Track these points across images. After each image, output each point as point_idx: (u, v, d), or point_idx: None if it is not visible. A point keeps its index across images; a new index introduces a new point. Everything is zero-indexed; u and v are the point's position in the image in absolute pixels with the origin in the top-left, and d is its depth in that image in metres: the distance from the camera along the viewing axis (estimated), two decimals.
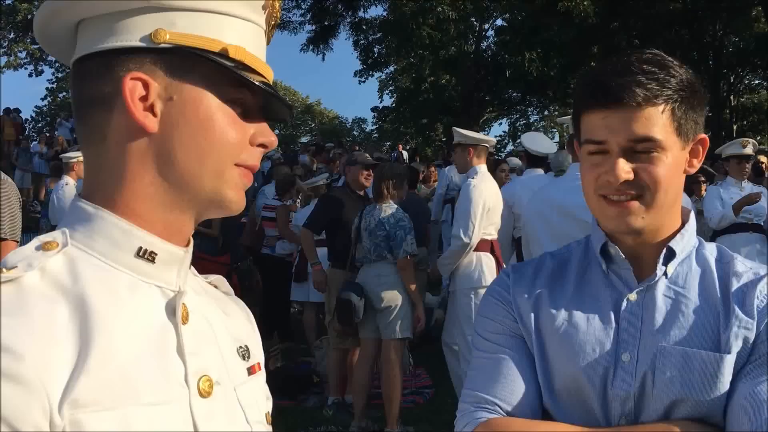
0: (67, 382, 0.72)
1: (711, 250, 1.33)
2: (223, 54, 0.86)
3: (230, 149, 0.88)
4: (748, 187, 6.43)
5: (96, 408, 0.74)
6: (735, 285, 1.24)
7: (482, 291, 5.14)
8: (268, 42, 0.95)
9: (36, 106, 36.32)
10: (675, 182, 1.24)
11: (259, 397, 0.99)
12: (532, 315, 1.33)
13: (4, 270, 0.76)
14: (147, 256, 0.86)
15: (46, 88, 33.77)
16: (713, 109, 21.89)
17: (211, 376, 0.88)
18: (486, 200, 5.14)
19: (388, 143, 28.66)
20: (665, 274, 1.27)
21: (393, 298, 5.00)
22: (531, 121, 33.59)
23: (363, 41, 25.88)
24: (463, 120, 22.40)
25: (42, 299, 0.76)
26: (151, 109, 0.85)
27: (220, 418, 0.88)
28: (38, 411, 0.70)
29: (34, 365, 0.71)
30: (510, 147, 31.75)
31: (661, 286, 1.27)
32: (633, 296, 1.27)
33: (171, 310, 0.87)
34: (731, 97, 23.44)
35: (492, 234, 5.20)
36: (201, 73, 0.86)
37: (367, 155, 6.69)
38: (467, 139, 5.41)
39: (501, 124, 38.68)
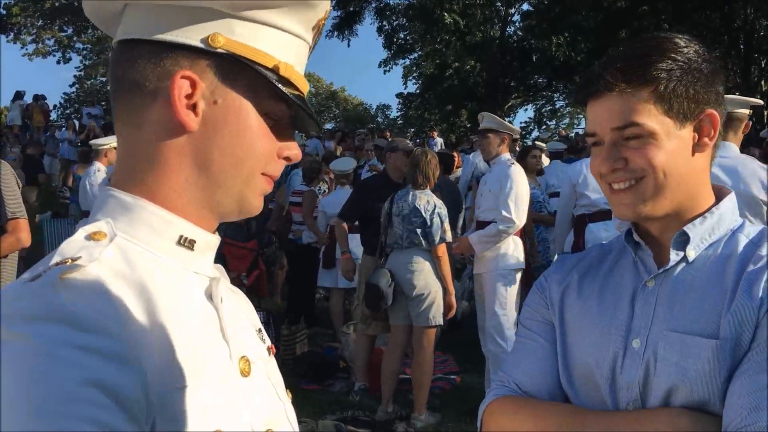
0: (150, 362, 0.75)
1: (752, 231, 1.28)
2: (274, 70, 0.89)
3: (261, 159, 0.91)
4: None
5: (177, 386, 0.78)
6: (750, 268, 1.19)
7: (516, 274, 5.30)
8: (309, 55, 0.99)
9: (64, 93, 36.82)
10: (678, 164, 1.20)
11: (280, 376, 1.04)
12: (559, 302, 1.38)
13: (69, 260, 0.78)
14: (186, 243, 0.89)
15: (74, 76, 34.16)
16: (744, 93, 21.48)
17: (248, 357, 0.93)
18: (527, 186, 5.34)
19: (413, 129, 28.58)
20: (685, 259, 1.24)
21: (425, 285, 5.00)
22: (557, 107, 33.29)
23: (387, 27, 25.80)
24: (488, 106, 22.24)
25: (112, 286, 0.78)
26: (193, 108, 0.86)
27: (259, 396, 0.93)
28: (140, 390, 0.73)
29: (128, 346, 0.73)
30: (535, 133, 31.52)
31: (679, 272, 1.25)
32: (651, 282, 1.26)
33: (208, 295, 0.91)
34: (762, 82, 23.02)
35: (524, 221, 5.32)
36: (246, 83, 0.88)
37: (409, 142, 6.71)
38: (501, 126, 5.48)
39: (526, 110, 38.37)
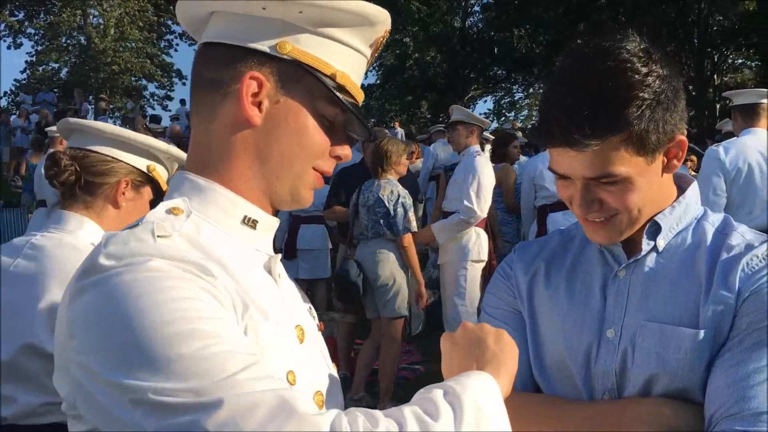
0: (236, 305, 0.91)
1: (715, 220, 1.29)
2: (331, 77, 1.01)
3: (313, 155, 1.04)
4: None
5: (260, 320, 0.95)
6: (723, 257, 1.20)
7: (477, 264, 5.35)
8: (367, 67, 1.12)
9: (15, 80, 35.83)
10: (651, 192, 1.20)
11: (326, 349, 1.17)
12: (527, 291, 1.37)
13: (162, 228, 0.91)
14: (250, 223, 1.03)
15: (26, 62, 33.30)
16: (697, 88, 21.97)
17: (303, 326, 1.06)
18: (492, 177, 5.39)
19: (373, 120, 28.54)
20: (655, 248, 1.25)
21: (389, 275, 5.00)
22: (516, 99, 33.57)
23: None
24: (448, 97, 22.33)
25: (192, 250, 0.92)
26: (258, 105, 1.00)
27: (312, 362, 1.05)
28: (231, 313, 0.89)
29: (222, 286, 0.89)
30: (495, 125, 31.76)
31: (650, 261, 1.25)
32: (622, 272, 1.27)
33: (268, 269, 1.05)
34: (715, 76, 23.54)
35: (486, 212, 5.37)
36: (307, 87, 1.01)
37: (387, 131, 6.71)
38: (470, 118, 5.54)
39: (486, 101, 38.62)
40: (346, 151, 1.09)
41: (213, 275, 0.89)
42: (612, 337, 1.24)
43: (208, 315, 0.83)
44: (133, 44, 31.86)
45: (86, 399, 0.83)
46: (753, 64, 24.59)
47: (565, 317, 1.30)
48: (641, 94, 1.11)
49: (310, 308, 1.16)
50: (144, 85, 34.30)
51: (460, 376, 0.94)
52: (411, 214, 4.99)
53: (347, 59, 1.04)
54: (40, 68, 32.99)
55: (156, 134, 14.33)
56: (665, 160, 1.20)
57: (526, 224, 6.09)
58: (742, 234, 1.24)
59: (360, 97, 1.09)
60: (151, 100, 35.03)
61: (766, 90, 4.52)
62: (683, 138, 1.20)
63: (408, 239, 5.01)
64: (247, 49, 0.99)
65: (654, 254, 1.26)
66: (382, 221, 4.99)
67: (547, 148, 1.20)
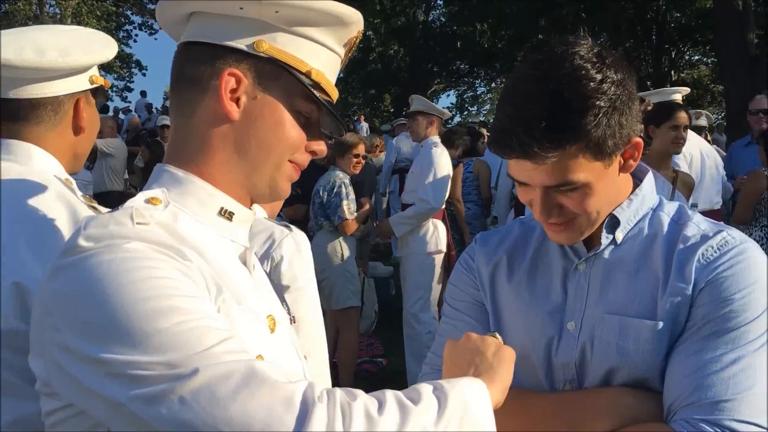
0: (209, 288, 0.95)
1: (671, 210, 1.30)
2: (307, 74, 1.07)
3: (289, 148, 1.09)
4: None
5: (233, 304, 0.98)
6: (679, 248, 1.22)
7: (437, 256, 5.33)
8: (340, 68, 1.17)
9: None
10: (609, 193, 1.22)
11: (299, 341, 1.22)
12: (489, 283, 1.38)
13: (141, 215, 0.95)
14: (226, 215, 1.08)
15: None
16: (655, 83, 22.33)
17: (275, 317, 1.11)
18: (449, 168, 5.33)
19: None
20: (614, 241, 1.27)
21: (325, 269, 4.98)
22: (478, 93, 33.75)
23: None
24: (411, 91, 22.33)
25: (169, 239, 0.95)
26: (236, 101, 1.05)
27: (282, 351, 1.09)
28: (206, 294, 0.93)
29: (196, 269, 0.94)
30: (458, 119, 31.89)
31: (608, 254, 1.27)
32: (581, 265, 1.28)
33: (243, 260, 1.11)
34: (672, 72, 23.97)
35: (442, 203, 5.35)
36: (283, 84, 1.06)
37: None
38: (430, 109, 5.51)
39: (449, 95, 38.80)
40: (321, 147, 1.13)
41: (189, 259, 0.93)
42: (572, 329, 1.25)
43: (184, 293, 0.86)
44: None
45: (61, 375, 0.85)
46: (709, 60, 25.10)
47: (527, 310, 1.31)
48: (597, 102, 1.11)
49: (283, 302, 1.22)
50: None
51: (452, 378, 0.96)
52: (346, 203, 4.95)
53: (322, 58, 1.09)
54: None
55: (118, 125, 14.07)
56: (621, 160, 1.22)
57: (500, 211, 6.14)
58: (697, 224, 1.25)
59: (334, 95, 1.14)
60: (110, 92, 34.37)
61: (675, 88, 5.01)
62: (639, 140, 1.21)
63: (345, 228, 4.99)
64: (226, 48, 1.04)
65: (612, 247, 1.27)
66: (319, 212, 5.00)
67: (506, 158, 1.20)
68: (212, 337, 0.82)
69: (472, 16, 21.12)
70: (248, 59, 1.05)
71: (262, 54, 1.04)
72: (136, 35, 34.65)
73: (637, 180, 1.32)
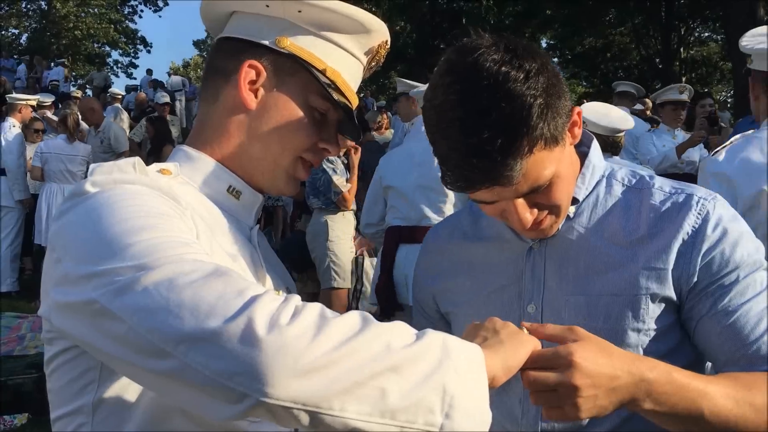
0: (200, 239, 0.99)
1: (624, 175, 1.27)
2: (322, 72, 1.12)
3: (299, 144, 1.14)
4: (681, 136, 6.10)
5: (221, 259, 1.00)
6: (650, 217, 1.19)
7: None
8: (364, 77, 1.23)
9: None
10: (570, 173, 1.18)
11: None
12: (442, 273, 1.38)
13: (143, 166, 1.01)
14: (234, 193, 1.14)
15: None
16: (664, 61, 22.15)
17: (281, 293, 1.08)
18: None
19: None
20: (567, 216, 1.22)
21: (315, 248, 5.05)
22: None
23: None
24: (418, 68, 22.21)
25: (169, 190, 0.99)
26: (255, 92, 1.12)
27: None
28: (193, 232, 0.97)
29: (189, 217, 0.98)
30: None
31: (564, 230, 1.23)
32: (536, 245, 1.25)
33: (248, 237, 1.16)
34: (681, 49, 23.75)
35: None
36: (300, 80, 1.13)
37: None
38: (412, 89, 5.56)
39: None
40: (332, 147, 1.18)
41: (183, 207, 0.98)
42: (533, 312, 1.23)
43: (170, 217, 0.92)
44: (96, 10, 31.09)
45: (56, 309, 0.90)
46: (719, 37, 24.86)
47: (485, 297, 1.29)
48: (534, 101, 1.02)
49: (289, 287, 1.24)
50: (107, 52, 33.58)
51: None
52: (336, 177, 4.97)
53: (341, 60, 1.15)
54: None
55: (114, 99, 14.11)
56: (569, 135, 1.16)
57: None
58: (661, 189, 1.23)
59: (353, 99, 1.18)
60: (115, 68, 34.32)
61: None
62: (577, 109, 1.16)
63: (345, 202, 5.02)
64: (252, 43, 1.13)
65: (566, 222, 1.23)
66: (309, 192, 5.04)
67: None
68: (187, 248, 0.86)
69: None
70: (270, 54, 1.12)
71: (282, 50, 1.11)
72: (142, 11, 34.48)
73: (584, 146, 1.27)
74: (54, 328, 0.95)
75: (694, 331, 1.19)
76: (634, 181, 1.26)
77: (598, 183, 1.26)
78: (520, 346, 0.95)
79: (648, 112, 8.82)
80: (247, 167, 1.14)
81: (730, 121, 11.33)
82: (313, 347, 0.74)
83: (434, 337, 0.83)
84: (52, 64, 21.70)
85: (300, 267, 5.12)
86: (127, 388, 0.96)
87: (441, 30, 25.05)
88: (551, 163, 1.09)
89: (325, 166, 4.93)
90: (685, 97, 6.23)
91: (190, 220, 0.98)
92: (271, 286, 1.14)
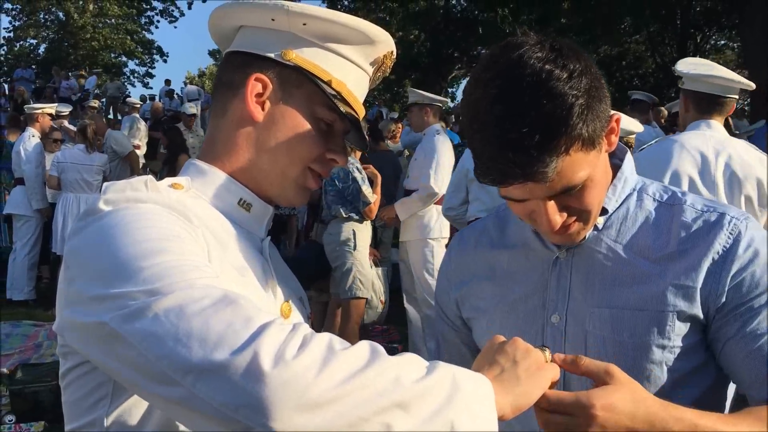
0: (211, 257, 1.00)
1: (655, 191, 1.26)
2: (327, 83, 1.13)
3: (307, 155, 1.15)
4: None
5: (231, 277, 1.02)
6: (681, 235, 1.18)
7: (441, 241, 5.55)
8: (370, 87, 1.24)
9: None
10: (604, 180, 1.17)
11: None
12: (467, 281, 1.37)
13: (155, 184, 1.02)
14: (245, 205, 1.15)
15: (3, 37, 32.71)
16: None
17: (292, 306, 1.18)
18: (450, 156, 5.50)
19: None
20: (595, 227, 1.22)
21: (337, 257, 5.00)
22: None
23: None
24: (432, 77, 22.26)
25: (180, 207, 1.01)
26: (262, 104, 1.13)
27: None
28: (204, 252, 0.99)
29: (200, 235, 1.00)
30: None
31: (592, 241, 1.22)
32: (563, 254, 1.24)
33: (259, 249, 1.17)
34: (697, 57, 23.58)
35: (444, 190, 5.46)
36: (306, 92, 1.14)
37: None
38: (424, 99, 5.64)
39: None
40: (339, 157, 1.18)
41: (195, 225, 1.00)
42: (557, 322, 1.22)
43: (181, 239, 0.94)
44: (113, 20, 31.40)
45: (72, 326, 0.91)
46: (735, 45, 24.71)
47: (509, 305, 1.28)
48: (576, 101, 1.03)
49: (300, 299, 1.25)
50: (124, 62, 33.88)
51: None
52: (365, 188, 4.95)
53: (346, 71, 1.16)
54: (18, 44, 32.44)
55: (132, 109, 14.20)
56: (606, 141, 1.15)
57: None
58: (692, 206, 1.22)
59: (360, 110, 1.19)
60: (131, 78, 34.62)
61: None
62: (618, 116, 1.17)
63: (370, 212, 5.02)
64: (258, 56, 1.14)
65: (594, 233, 1.22)
66: (336, 201, 4.99)
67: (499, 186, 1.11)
68: (198, 273, 0.87)
69: (493, 0, 20.91)
70: (276, 67, 1.13)
71: (288, 62, 1.13)
72: (158, 21, 34.84)
73: (618, 159, 1.27)
74: (67, 343, 0.97)
75: (720, 353, 1.17)
76: (665, 196, 1.25)
77: (628, 196, 1.25)
78: (536, 385, 0.94)
79: (662, 121, 8.76)
80: (257, 179, 1.15)
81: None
82: (318, 381, 0.74)
83: (444, 372, 0.82)
84: (70, 74, 21.90)
85: (314, 277, 5.11)
86: (139, 403, 0.97)
87: (455, 39, 25.05)
88: (586, 165, 1.09)
89: (355, 175, 4.93)
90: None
91: (201, 239, 1.00)
92: (282, 297, 1.15)
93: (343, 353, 0.78)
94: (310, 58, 1.13)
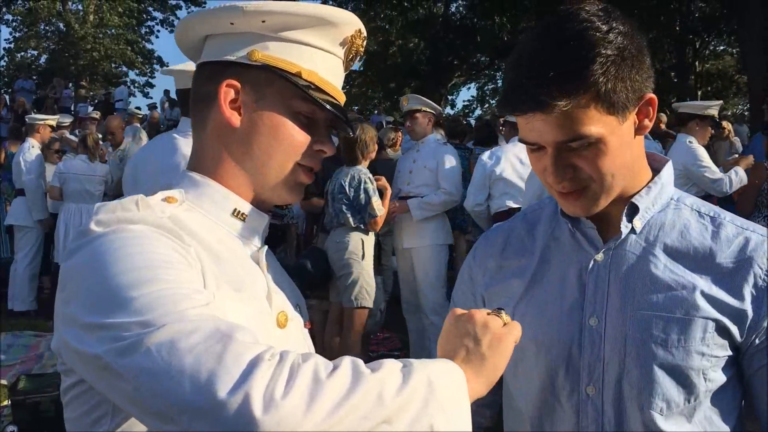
0: (205, 274, 1.00)
1: (694, 202, 1.27)
2: (297, 75, 1.12)
3: (293, 150, 1.14)
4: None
5: (226, 294, 1.02)
6: (724, 252, 1.19)
7: (443, 248, 5.63)
8: (346, 70, 1.22)
9: None
10: (624, 156, 1.17)
11: (311, 343, 1.27)
12: (493, 282, 1.36)
13: (146, 203, 1.03)
14: (239, 215, 1.15)
15: (4, 48, 32.82)
16: (679, 74, 22.07)
17: (288, 314, 1.16)
18: (459, 163, 5.64)
19: (356, 107, 28.44)
20: (633, 230, 1.22)
21: (345, 265, 4.93)
22: (499, 85, 33.55)
23: (330, 2, 25.48)
24: (432, 84, 22.29)
25: (171, 225, 1.02)
26: (238, 110, 1.12)
27: (291, 347, 1.05)
28: (198, 274, 0.99)
29: (193, 254, 1.00)
30: (478, 111, 31.77)
31: (630, 245, 1.22)
32: (600, 256, 1.23)
33: (255, 260, 1.16)
34: (696, 63, 23.65)
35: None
36: (278, 88, 1.13)
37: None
38: (428, 106, 5.66)
39: (469, 88, 38.58)
40: (327, 146, 1.18)
41: (187, 244, 1.00)
42: (595, 325, 1.21)
43: (173, 265, 0.94)
44: (113, 31, 31.49)
45: (67, 347, 0.92)
46: (734, 51, 24.74)
47: (542, 308, 1.27)
48: (604, 51, 1.09)
49: (297, 306, 1.23)
50: (124, 72, 33.96)
51: (428, 359, 0.94)
52: (375, 200, 4.90)
53: (316, 60, 1.14)
54: (19, 55, 32.53)
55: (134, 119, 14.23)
56: (636, 120, 1.18)
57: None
58: (732, 222, 1.23)
59: (338, 95, 1.18)
60: (132, 87, 34.69)
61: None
62: (652, 95, 1.18)
63: (376, 225, 4.97)
64: (226, 63, 1.13)
65: (633, 236, 1.23)
66: (344, 209, 4.93)
67: (516, 117, 1.17)
68: (189, 303, 0.87)
69: (492, 8, 20.97)
70: (245, 70, 1.12)
71: (256, 62, 1.12)
72: (158, 31, 34.95)
73: (655, 171, 1.28)
74: (65, 360, 0.98)
75: (749, 378, 1.20)
76: (703, 209, 1.26)
77: (667, 205, 1.26)
78: (501, 356, 1.00)
79: (662, 126, 8.77)
80: (249, 185, 1.15)
81: (747, 135, 11.24)
82: (308, 418, 0.78)
83: (419, 375, 0.86)
84: (71, 84, 21.94)
85: (315, 284, 5.09)
86: (139, 422, 0.98)
87: (454, 47, 25.07)
88: (601, 125, 1.11)
89: (367, 186, 4.89)
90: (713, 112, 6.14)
91: (195, 259, 1.00)
92: (278, 307, 1.15)
93: (328, 382, 0.81)
94: (276, 54, 1.12)
